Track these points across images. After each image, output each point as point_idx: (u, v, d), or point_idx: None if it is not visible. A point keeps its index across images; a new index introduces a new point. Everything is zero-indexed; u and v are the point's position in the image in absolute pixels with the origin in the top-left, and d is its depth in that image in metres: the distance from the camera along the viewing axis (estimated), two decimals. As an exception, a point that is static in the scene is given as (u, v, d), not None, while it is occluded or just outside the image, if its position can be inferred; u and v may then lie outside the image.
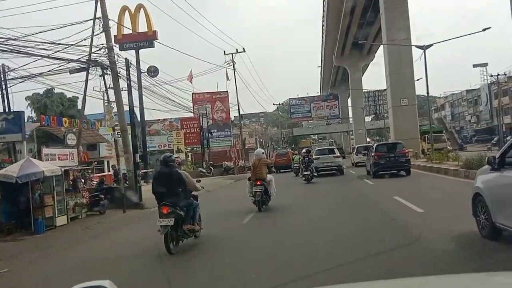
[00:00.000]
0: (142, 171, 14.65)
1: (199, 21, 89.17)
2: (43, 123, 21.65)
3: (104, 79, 13.56)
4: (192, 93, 41.23)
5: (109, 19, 14.31)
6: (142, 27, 26.24)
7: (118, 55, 14.00)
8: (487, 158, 6.30)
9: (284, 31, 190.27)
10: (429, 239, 6.19)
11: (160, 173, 7.40)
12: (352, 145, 55.24)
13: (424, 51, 21.94)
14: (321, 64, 68.61)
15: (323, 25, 48.90)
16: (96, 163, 27.06)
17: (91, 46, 13.94)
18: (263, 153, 12.00)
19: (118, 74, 14.23)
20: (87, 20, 13.99)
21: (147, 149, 40.54)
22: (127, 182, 15.10)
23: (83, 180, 13.48)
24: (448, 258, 5.15)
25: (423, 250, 5.69)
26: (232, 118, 44.01)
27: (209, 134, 35.90)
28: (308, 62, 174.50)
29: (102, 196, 13.67)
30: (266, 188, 10.72)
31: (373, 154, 18.55)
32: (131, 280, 5.63)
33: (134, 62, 27.43)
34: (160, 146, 38.80)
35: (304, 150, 21.63)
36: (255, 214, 10.30)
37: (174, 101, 28.46)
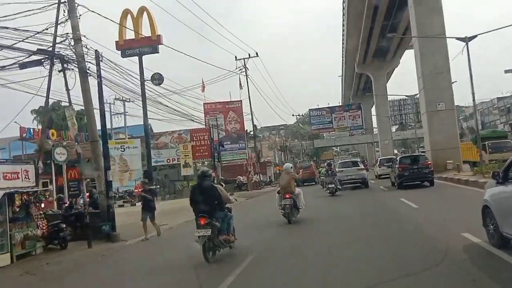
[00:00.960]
0: (146, 188, 12.02)
1: (216, 29, 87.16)
2: (24, 135, 18.99)
3: (64, 75, 10.65)
4: (204, 103, 38.52)
5: (78, 5, 11.46)
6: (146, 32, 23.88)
7: (87, 47, 11.08)
8: (491, 173, 6.63)
9: (303, 41, 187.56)
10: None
11: (197, 187, 7.78)
12: (378, 156, 51.87)
13: (467, 44, 18.35)
14: (342, 72, 65.24)
15: (343, 29, 45.61)
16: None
17: (55, 35, 11.11)
18: (291, 167, 12.35)
19: (89, 71, 11.30)
20: (50, 5, 11.21)
21: (155, 163, 37.93)
22: (96, 207, 12.03)
23: (40, 205, 10.50)
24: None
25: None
26: (248, 130, 40.89)
27: (221, 147, 32.82)
28: (329, 73, 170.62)
29: (64, 226, 10.67)
30: (295, 201, 11.12)
31: (397, 166, 18.98)
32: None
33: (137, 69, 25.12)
34: (168, 161, 35.94)
35: (326, 164, 22.14)
36: (285, 225, 10.78)
37: (182, 111, 25.50)
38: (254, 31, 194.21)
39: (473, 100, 18.60)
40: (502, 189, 5.70)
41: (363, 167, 22.85)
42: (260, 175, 39.43)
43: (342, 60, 56.91)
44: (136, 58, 24.41)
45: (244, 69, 32.29)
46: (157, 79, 29.83)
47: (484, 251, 5.94)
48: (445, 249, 6.18)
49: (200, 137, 34.28)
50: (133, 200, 25.48)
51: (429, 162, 18.84)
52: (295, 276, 5.90)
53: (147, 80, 29.65)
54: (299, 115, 73.56)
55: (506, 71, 72.78)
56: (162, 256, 9.10)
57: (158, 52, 26.19)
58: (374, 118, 66.19)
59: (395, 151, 53.53)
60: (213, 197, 7.42)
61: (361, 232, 9.01)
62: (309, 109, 75.37)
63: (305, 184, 28.06)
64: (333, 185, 18.55)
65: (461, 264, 5.48)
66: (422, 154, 21.89)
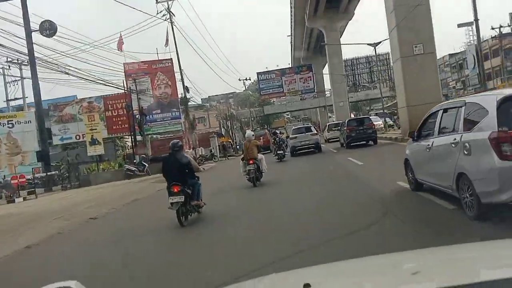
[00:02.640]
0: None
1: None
2: None
3: None
4: (124, 64, 30.89)
5: None
6: None
7: None
8: (408, 132, 8.42)
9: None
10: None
11: (169, 157, 8.18)
12: (332, 121, 47.35)
13: None
14: (291, 28, 59.07)
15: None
16: None
17: None
18: (253, 135, 13.32)
19: None
20: None
21: (61, 141, 30.18)
22: None
23: None
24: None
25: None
26: (185, 95, 33.65)
27: (143, 117, 25.76)
28: (278, 33, 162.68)
29: None
30: (258, 166, 11.80)
31: (345, 128, 21.39)
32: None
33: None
34: (78, 137, 28.14)
35: (273, 132, 23.57)
36: (251, 189, 11.44)
37: (89, 74, 18.48)
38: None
39: (479, 44, 12.92)
40: (416, 145, 7.18)
41: (315, 132, 23.25)
42: (201, 148, 32.92)
43: (291, 12, 50.55)
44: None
45: (167, 14, 24.97)
46: (48, 28, 22.24)
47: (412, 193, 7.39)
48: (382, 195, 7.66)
49: (117, 105, 26.99)
50: (11, 195, 18.21)
51: (372, 124, 21.45)
52: (255, 231, 6.64)
53: (35, 30, 22.14)
54: (246, 79, 67.06)
55: (460, 25, 70.16)
56: None
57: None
58: (326, 80, 61.64)
59: (352, 115, 48.61)
60: (184, 166, 7.89)
61: (313, 189, 10.16)
62: (257, 73, 69.45)
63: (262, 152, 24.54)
64: (282, 151, 19.93)
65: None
66: (367, 116, 27.10)
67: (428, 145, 6.37)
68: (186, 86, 29.05)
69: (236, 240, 6.17)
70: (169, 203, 7.48)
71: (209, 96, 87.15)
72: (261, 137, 29.80)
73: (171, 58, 31.51)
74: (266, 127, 71.57)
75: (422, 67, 18.85)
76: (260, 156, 11.98)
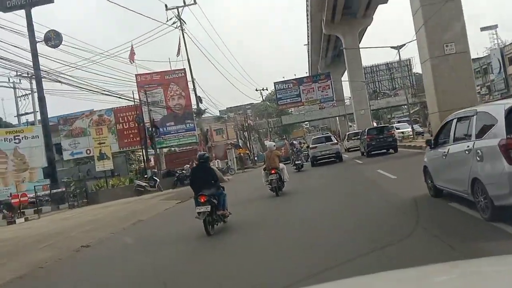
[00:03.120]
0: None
1: None
2: None
3: None
4: (136, 75, 29.97)
5: None
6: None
7: None
8: (425, 140, 9.01)
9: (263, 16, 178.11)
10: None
11: (196, 168, 8.85)
12: (354, 130, 45.49)
13: None
14: (308, 36, 57.77)
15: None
16: None
17: None
18: (274, 145, 13.63)
19: None
20: None
21: (71, 156, 29.30)
22: None
23: None
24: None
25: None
26: (198, 105, 32.45)
27: (155, 130, 24.58)
28: (295, 43, 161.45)
29: None
30: (280, 176, 11.99)
31: (365, 137, 21.77)
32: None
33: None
34: (88, 152, 27.20)
35: (290, 142, 23.71)
36: (273, 198, 11.60)
37: (100, 87, 17.56)
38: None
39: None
40: (433, 153, 7.42)
41: (336, 141, 22.96)
42: (217, 161, 31.54)
43: (307, 19, 49.24)
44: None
45: (178, 21, 23.91)
46: (53, 38, 21.43)
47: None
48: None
49: (128, 118, 25.92)
50: (12, 215, 17.11)
51: (392, 132, 21.83)
52: (280, 241, 6.55)
53: (39, 41, 21.34)
54: (263, 90, 65.72)
55: (483, 29, 67.50)
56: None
57: (53, 2, 18.69)
58: (345, 88, 59.84)
59: (374, 124, 46.40)
60: (210, 177, 8.27)
61: (337, 198, 10.26)
62: (274, 83, 67.96)
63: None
64: (300, 162, 19.97)
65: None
66: (387, 125, 27.12)
67: (445, 152, 6.64)
68: (199, 96, 27.84)
69: (263, 250, 6.18)
70: (196, 212, 7.76)
71: (227, 108, 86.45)
72: (282, 148, 28.78)
73: (184, 68, 30.35)
74: (284, 137, 70.25)
75: (454, 68, 17.06)
76: (281, 166, 12.29)
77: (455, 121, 6.48)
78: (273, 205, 10.70)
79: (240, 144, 50.61)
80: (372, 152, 20.65)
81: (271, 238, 6.92)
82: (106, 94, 20.02)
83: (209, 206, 7.68)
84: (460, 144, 6.02)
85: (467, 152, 5.65)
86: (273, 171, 11.86)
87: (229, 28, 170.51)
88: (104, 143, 23.14)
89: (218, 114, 70.14)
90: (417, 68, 68.05)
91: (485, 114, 5.48)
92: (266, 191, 12.00)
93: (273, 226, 8.10)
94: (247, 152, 47.45)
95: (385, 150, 20.97)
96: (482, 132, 5.40)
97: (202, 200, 7.69)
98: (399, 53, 24.98)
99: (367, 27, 49.33)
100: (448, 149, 6.49)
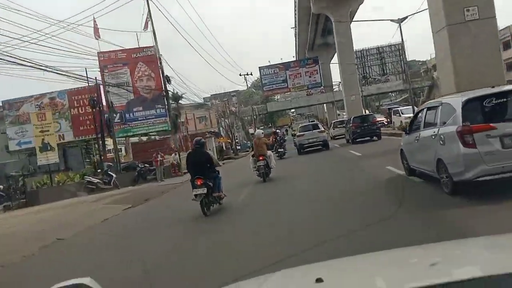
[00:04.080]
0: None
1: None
2: None
3: None
4: (98, 53, 25.93)
5: None
6: None
7: None
8: (402, 127, 10.01)
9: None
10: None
11: (193, 153, 9.08)
12: (342, 118, 42.34)
13: None
14: (295, 17, 54.01)
15: None
16: None
17: None
18: (262, 133, 14.02)
19: None
20: None
21: (19, 146, 25.22)
22: None
23: None
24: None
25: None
26: (165, 86, 28.40)
27: (110, 116, 20.67)
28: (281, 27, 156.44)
29: None
30: (267, 162, 12.63)
31: (351, 125, 23.34)
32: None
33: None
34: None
35: (274, 131, 23.96)
36: (261, 183, 12.33)
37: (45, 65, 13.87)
38: None
39: None
40: (408, 137, 8.44)
41: (323, 129, 23.53)
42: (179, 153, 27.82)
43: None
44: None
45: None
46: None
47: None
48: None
49: (85, 102, 21.98)
50: None
51: (375, 120, 23.37)
52: (269, 219, 7.30)
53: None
54: (247, 74, 61.85)
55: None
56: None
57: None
58: (334, 73, 56.42)
59: (366, 111, 42.79)
60: (206, 161, 8.70)
61: (319, 180, 11.40)
62: (259, 67, 64.22)
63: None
64: (282, 150, 21.26)
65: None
66: (371, 114, 28.42)
67: (417, 137, 7.69)
68: (167, 76, 23.94)
69: (255, 229, 6.69)
70: (193, 195, 8.34)
71: (211, 95, 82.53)
72: (270, 137, 26.04)
73: (154, 46, 26.40)
74: (270, 125, 67.06)
75: (477, 38, 13.64)
76: (269, 153, 12.96)
77: (425, 110, 7.58)
78: (262, 190, 11.31)
79: (221, 133, 46.98)
80: (357, 140, 22.00)
81: (263, 218, 7.58)
82: (46, 70, 16.11)
83: (205, 188, 8.24)
84: (428, 130, 7.07)
85: (433, 137, 6.74)
86: (261, 158, 12.52)
87: (214, 11, 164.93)
88: (47, 130, 19.11)
89: (202, 101, 66.20)
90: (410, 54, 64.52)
91: (447, 105, 6.54)
92: (252, 177, 12.85)
93: (263, 208, 8.68)
94: (228, 141, 43.87)
95: (369, 138, 22.16)
96: (445, 120, 6.48)
97: (199, 183, 8.26)
98: (400, 27, 21.48)
99: (358, 6, 45.78)
100: (419, 134, 7.54)
